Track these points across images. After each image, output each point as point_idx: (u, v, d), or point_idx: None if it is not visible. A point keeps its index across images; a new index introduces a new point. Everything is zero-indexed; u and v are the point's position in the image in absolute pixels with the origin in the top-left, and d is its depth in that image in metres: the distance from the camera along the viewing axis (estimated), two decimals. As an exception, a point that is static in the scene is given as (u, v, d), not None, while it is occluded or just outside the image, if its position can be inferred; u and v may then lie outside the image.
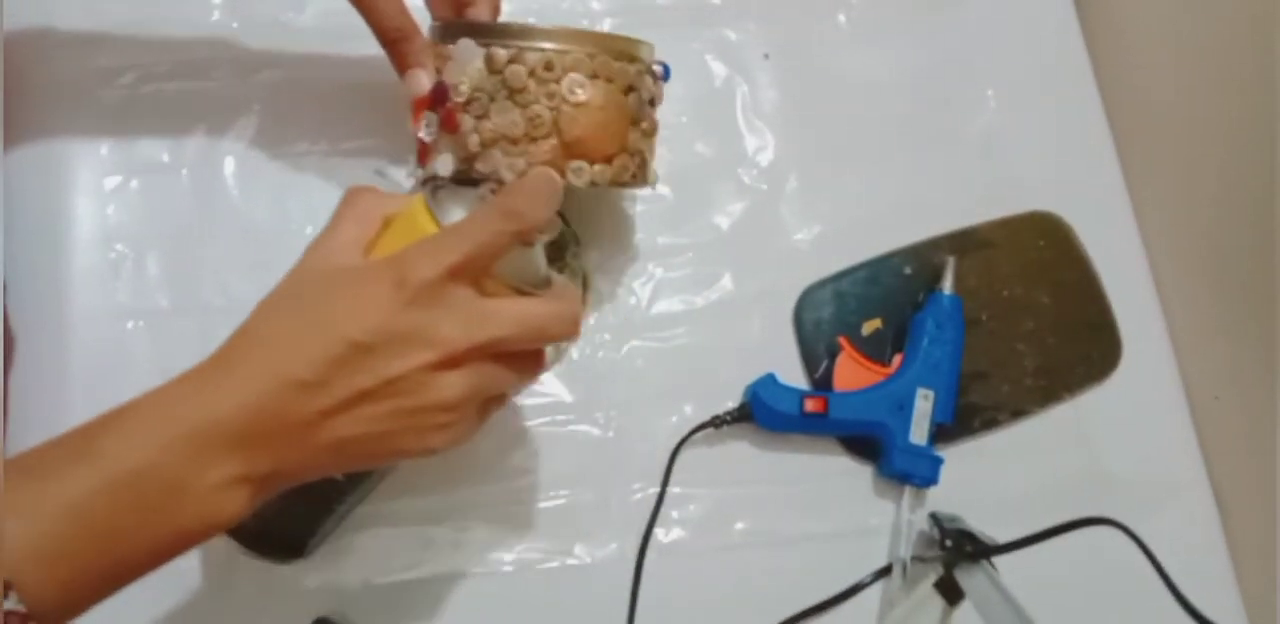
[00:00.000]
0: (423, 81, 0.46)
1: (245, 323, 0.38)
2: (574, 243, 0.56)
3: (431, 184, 0.44)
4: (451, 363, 0.36)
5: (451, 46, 0.45)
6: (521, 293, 0.40)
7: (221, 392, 0.35)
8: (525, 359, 0.40)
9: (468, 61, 0.45)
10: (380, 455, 0.38)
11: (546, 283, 0.42)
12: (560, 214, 0.56)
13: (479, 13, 0.48)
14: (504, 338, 0.37)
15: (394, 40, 0.46)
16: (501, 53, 0.44)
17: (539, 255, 0.42)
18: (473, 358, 0.37)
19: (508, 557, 0.53)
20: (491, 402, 0.40)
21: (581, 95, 0.45)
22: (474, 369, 0.37)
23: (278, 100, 0.59)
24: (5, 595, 0.31)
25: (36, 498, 0.33)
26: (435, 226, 0.39)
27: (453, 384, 0.36)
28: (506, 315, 0.38)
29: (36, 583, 0.32)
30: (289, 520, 0.49)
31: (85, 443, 0.34)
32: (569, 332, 0.40)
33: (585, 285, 0.56)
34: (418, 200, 0.40)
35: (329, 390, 0.35)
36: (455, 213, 0.42)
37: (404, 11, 0.46)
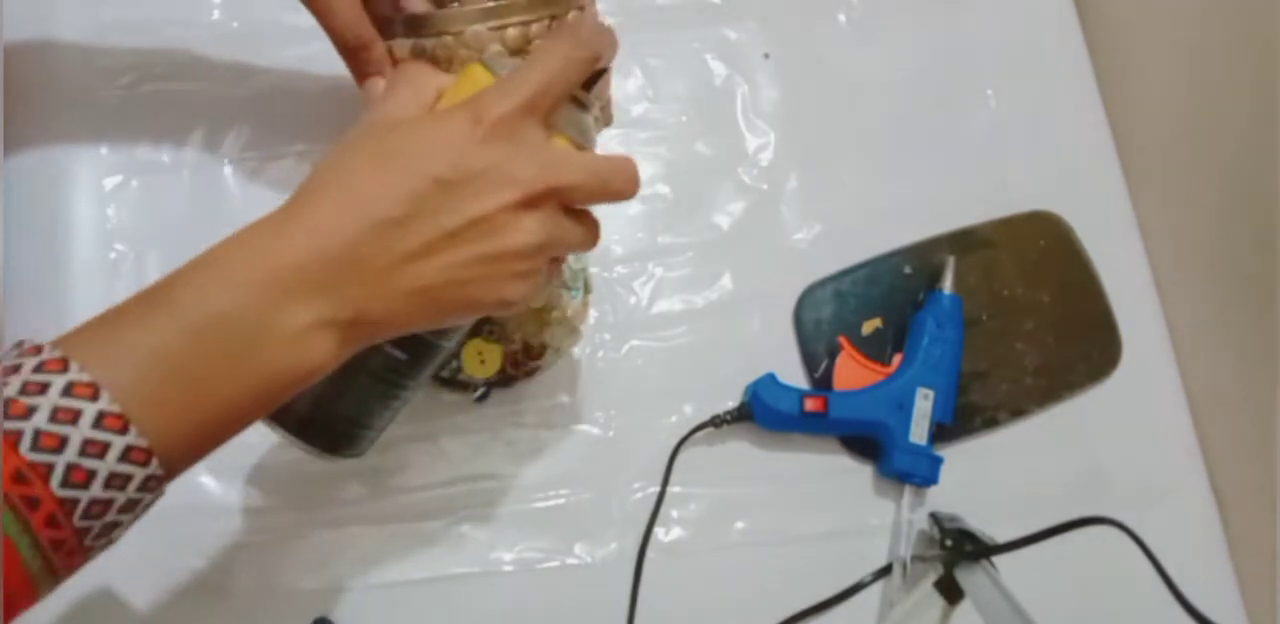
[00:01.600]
0: (380, 90, 0.46)
1: (317, 169, 0.37)
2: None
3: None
4: (529, 203, 0.36)
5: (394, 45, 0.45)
6: (584, 150, 0.40)
7: (301, 234, 0.34)
8: (588, 219, 0.40)
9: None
10: (461, 305, 0.37)
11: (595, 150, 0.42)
12: None
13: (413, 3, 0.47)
14: (575, 184, 0.37)
15: (353, 49, 0.45)
16: (425, 43, 0.43)
17: (591, 121, 0.41)
18: (548, 200, 0.37)
19: (508, 556, 0.53)
20: (557, 262, 0.40)
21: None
22: (549, 214, 0.37)
23: (278, 100, 0.59)
24: (125, 430, 0.30)
25: (118, 347, 0.32)
26: (488, 73, 0.39)
27: (531, 228, 0.36)
28: (577, 161, 0.37)
29: (149, 420, 0.31)
30: (345, 404, 0.44)
31: (165, 292, 0.33)
32: (631, 187, 0.39)
33: (586, 288, 0.56)
34: (474, 65, 0.40)
35: (413, 229, 0.35)
36: (507, 64, 0.41)
37: (362, 19, 0.45)
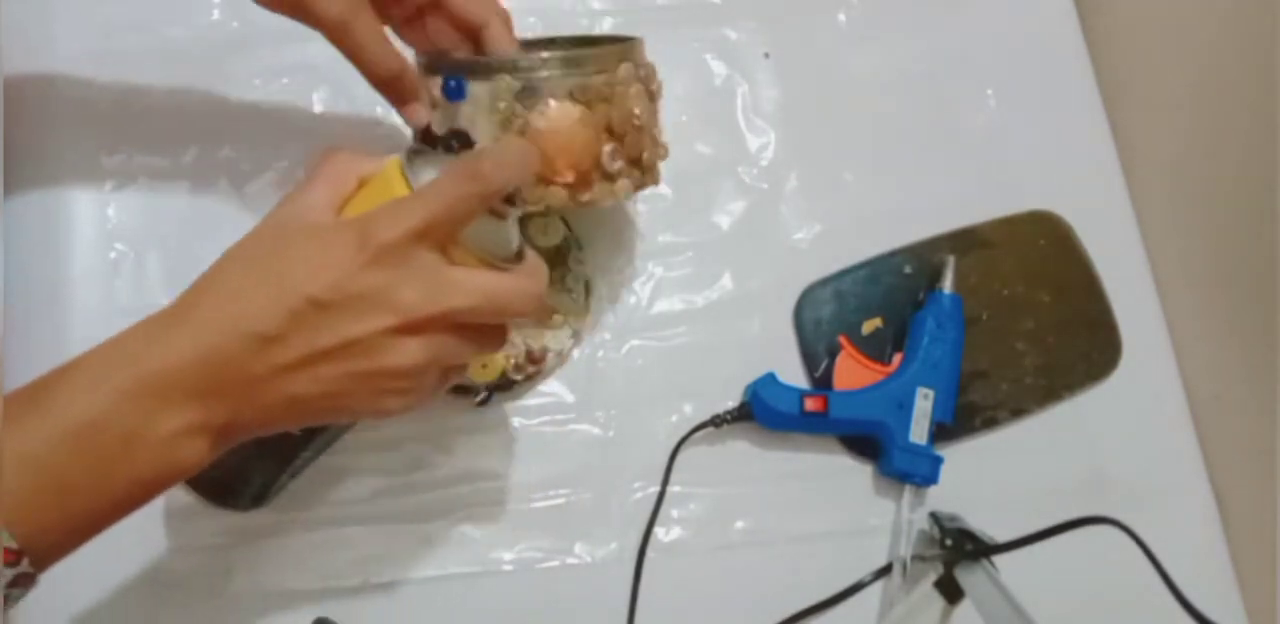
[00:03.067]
0: (422, 114, 0.47)
1: (205, 274, 0.37)
2: (576, 248, 0.56)
3: (409, 148, 0.44)
4: (411, 329, 0.36)
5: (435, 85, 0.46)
6: (490, 265, 0.39)
7: (177, 341, 0.35)
8: (486, 333, 0.40)
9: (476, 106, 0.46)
10: (334, 414, 0.38)
11: (518, 258, 0.41)
12: (563, 220, 0.56)
13: (497, 37, 0.48)
14: (465, 309, 0.37)
15: (387, 80, 0.46)
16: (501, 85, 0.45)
17: (511, 229, 0.41)
18: (433, 326, 0.36)
19: (508, 556, 0.53)
20: (451, 371, 0.40)
21: (540, 123, 0.45)
22: (433, 338, 0.37)
23: (278, 99, 0.59)
24: None
25: None
26: (407, 189, 0.39)
27: (410, 351, 0.36)
28: (469, 286, 0.37)
29: (20, 523, 0.32)
30: (246, 472, 0.49)
31: (43, 393, 0.34)
32: (530, 309, 0.39)
33: (587, 291, 0.56)
34: (392, 163, 0.40)
35: (286, 346, 0.35)
36: (430, 177, 0.40)
37: (391, 49, 0.46)
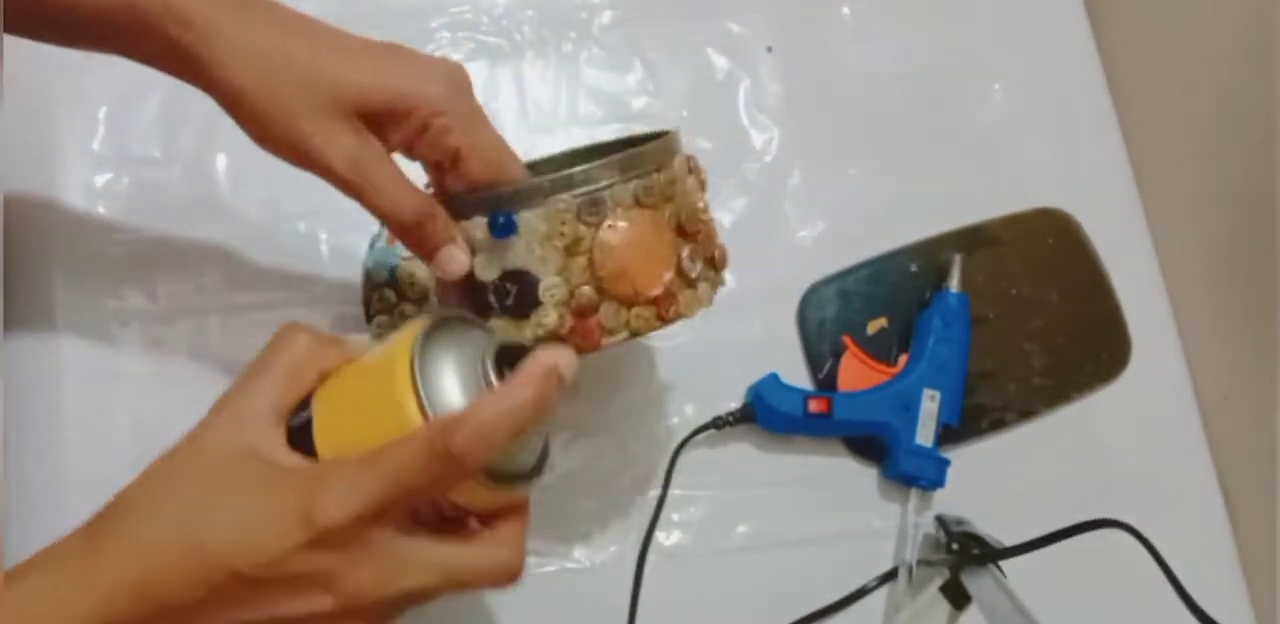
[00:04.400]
0: (460, 259, 0.39)
1: (125, 500, 0.33)
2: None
3: (426, 326, 0.36)
4: (352, 614, 0.32)
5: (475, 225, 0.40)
6: (486, 487, 0.34)
7: (83, 604, 0.31)
8: (438, 596, 0.35)
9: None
10: None
11: (535, 471, 0.37)
12: None
13: (471, 169, 0.40)
14: (418, 590, 0.32)
15: (414, 225, 0.39)
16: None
17: (535, 440, 0.37)
18: (379, 607, 0.32)
19: (506, 560, 0.53)
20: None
21: (613, 238, 0.39)
22: (377, 616, 0.33)
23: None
24: None
25: None
26: (411, 390, 0.32)
27: None
28: (429, 566, 0.33)
29: None
30: None
31: None
32: (498, 587, 0.34)
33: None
34: (402, 349, 0.33)
35: (205, 618, 0.31)
36: (446, 376, 0.34)
37: (413, 190, 0.39)
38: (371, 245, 0.55)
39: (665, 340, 0.56)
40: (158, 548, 0.32)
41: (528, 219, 0.39)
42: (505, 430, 0.32)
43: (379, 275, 0.53)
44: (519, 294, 0.40)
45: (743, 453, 0.55)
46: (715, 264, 0.45)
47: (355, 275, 0.55)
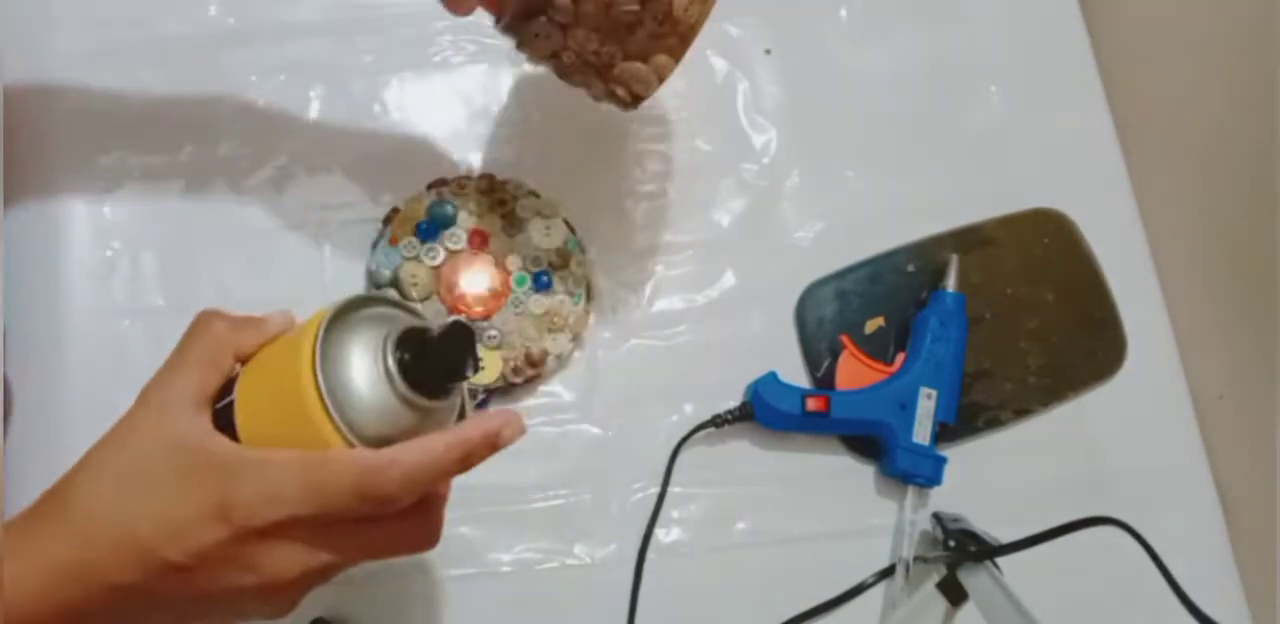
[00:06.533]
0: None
1: (69, 483, 0.35)
2: (579, 251, 0.56)
3: (339, 305, 0.35)
4: (276, 588, 0.34)
5: None
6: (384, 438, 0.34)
7: (30, 585, 0.33)
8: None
9: None
10: None
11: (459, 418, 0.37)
12: (566, 221, 0.56)
13: None
14: (341, 564, 0.34)
15: None
16: None
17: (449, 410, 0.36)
18: (301, 581, 0.34)
19: (507, 557, 0.53)
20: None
21: None
22: (302, 586, 0.34)
23: (273, 95, 0.58)
24: None
25: None
26: (313, 384, 0.33)
27: (277, 601, 0.35)
28: (345, 546, 0.34)
29: None
30: None
31: None
32: (419, 551, 0.36)
33: (589, 295, 0.56)
34: (306, 338, 0.34)
35: (146, 595, 0.33)
36: (352, 366, 0.34)
37: None
38: (374, 245, 0.55)
39: (665, 340, 0.57)
40: (95, 534, 0.33)
41: None
42: (430, 479, 0.33)
43: (381, 275, 0.54)
44: None
45: (741, 451, 0.55)
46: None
47: (358, 275, 0.55)
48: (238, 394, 0.35)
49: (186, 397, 0.35)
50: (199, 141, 0.57)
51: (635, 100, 0.44)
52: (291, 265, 0.56)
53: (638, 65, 0.43)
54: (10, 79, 0.56)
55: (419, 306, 0.49)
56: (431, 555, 0.53)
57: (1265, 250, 0.52)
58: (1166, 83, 0.61)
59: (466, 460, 0.34)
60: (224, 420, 0.35)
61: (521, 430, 0.35)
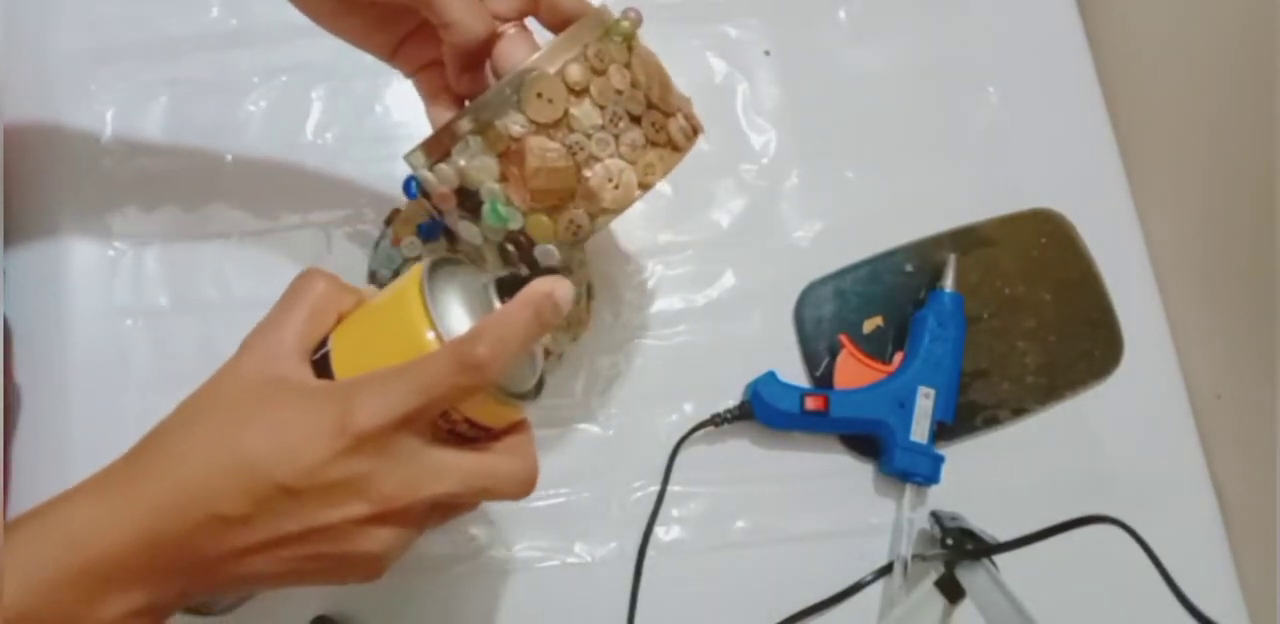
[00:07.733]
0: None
1: (159, 432, 0.35)
2: (580, 251, 0.56)
3: (430, 261, 0.38)
4: (385, 518, 0.34)
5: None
6: (500, 404, 0.36)
7: (123, 523, 0.32)
8: (461, 508, 0.39)
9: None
10: (292, 585, 0.36)
11: (536, 391, 0.39)
12: None
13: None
14: (444, 494, 0.35)
15: (479, 49, 0.41)
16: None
17: (535, 357, 0.39)
18: (409, 514, 0.35)
19: (507, 555, 0.53)
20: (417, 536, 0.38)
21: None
22: (407, 523, 0.35)
23: (277, 96, 0.59)
24: None
25: None
26: (426, 320, 0.35)
27: (383, 538, 0.34)
28: (454, 472, 0.35)
29: None
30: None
31: None
32: (519, 494, 0.37)
33: (589, 296, 0.56)
34: (411, 283, 0.36)
35: (248, 530, 0.33)
36: (454, 305, 0.37)
37: (484, 12, 0.41)
38: (376, 246, 0.55)
39: (665, 339, 0.57)
40: (201, 461, 0.33)
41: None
42: (517, 341, 0.34)
43: (383, 276, 0.54)
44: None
45: (741, 449, 0.56)
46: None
47: (360, 276, 0.55)
48: (334, 346, 0.37)
49: (292, 346, 0.36)
50: (200, 142, 0.58)
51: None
52: (294, 265, 0.56)
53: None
54: (9, 74, 0.56)
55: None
56: (432, 554, 0.53)
57: (1262, 250, 0.52)
58: (1164, 83, 0.61)
59: (539, 317, 0.35)
60: (317, 372, 0.36)
61: (568, 286, 0.36)
